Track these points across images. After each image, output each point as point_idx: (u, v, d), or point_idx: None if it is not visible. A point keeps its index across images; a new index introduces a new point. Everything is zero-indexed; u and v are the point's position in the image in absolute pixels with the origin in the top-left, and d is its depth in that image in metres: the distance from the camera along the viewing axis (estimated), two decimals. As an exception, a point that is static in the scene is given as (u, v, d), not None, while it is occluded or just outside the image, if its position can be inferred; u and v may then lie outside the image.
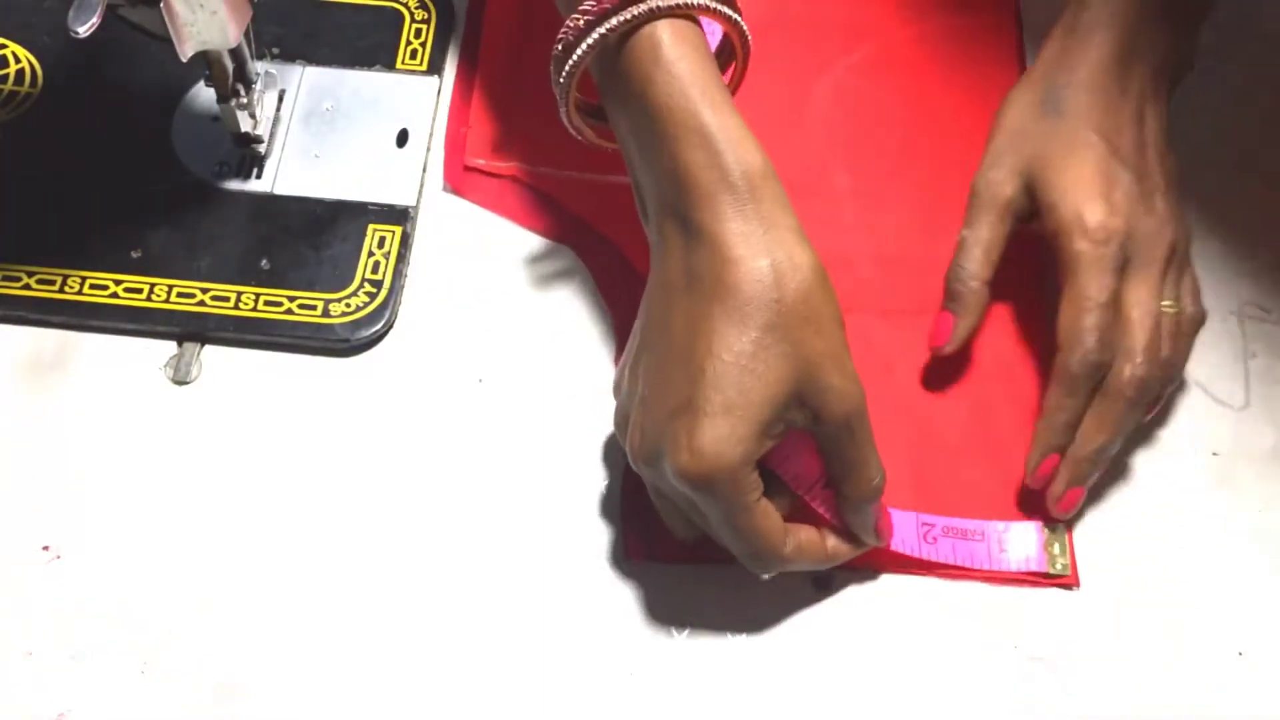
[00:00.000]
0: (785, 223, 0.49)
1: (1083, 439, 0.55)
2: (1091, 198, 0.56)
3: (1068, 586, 0.57)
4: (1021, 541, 0.57)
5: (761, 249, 0.49)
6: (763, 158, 0.50)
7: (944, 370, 0.60)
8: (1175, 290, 0.57)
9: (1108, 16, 0.58)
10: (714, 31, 0.55)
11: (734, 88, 0.56)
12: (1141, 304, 0.55)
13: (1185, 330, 0.57)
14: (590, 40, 0.51)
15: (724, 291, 0.49)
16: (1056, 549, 0.57)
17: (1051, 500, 0.56)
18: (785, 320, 0.49)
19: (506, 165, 0.65)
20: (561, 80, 0.53)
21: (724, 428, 0.48)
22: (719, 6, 0.52)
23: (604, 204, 0.63)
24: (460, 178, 0.65)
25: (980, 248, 0.58)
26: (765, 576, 0.54)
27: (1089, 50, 0.59)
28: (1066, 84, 0.59)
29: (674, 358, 0.50)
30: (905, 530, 0.56)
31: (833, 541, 0.54)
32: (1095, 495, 0.58)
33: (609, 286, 0.62)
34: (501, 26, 0.69)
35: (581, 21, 0.51)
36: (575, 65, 0.52)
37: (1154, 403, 0.57)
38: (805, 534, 0.54)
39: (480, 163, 0.65)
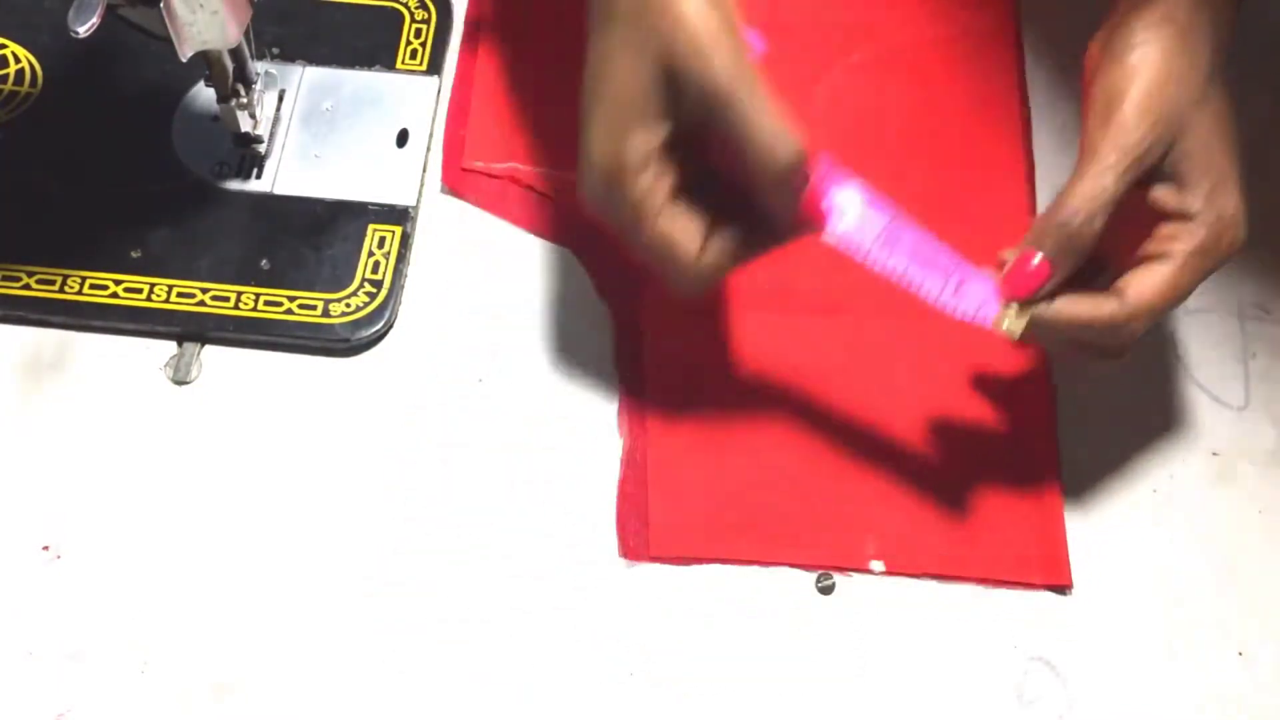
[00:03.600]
0: None
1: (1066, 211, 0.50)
2: (1233, 200, 0.51)
3: (1062, 590, 0.57)
4: (976, 292, 0.51)
5: None
6: None
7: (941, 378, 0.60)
8: None
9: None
10: None
11: None
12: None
13: None
14: None
15: (602, 17, 0.50)
16: (1013, 312, 0.51)
17: (1017, 273, 0.51)
18: (645, 19, 0.49)
19: (504, 166, 0.65)
20: None
21: (599, 128, 0.50)
22: None
23: None
24: (459, 179, 0.65)
25: (1106, 196, 0.50)
26: (694, 292, 0.52)
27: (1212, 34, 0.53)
28: (1211, 62, 0.52)
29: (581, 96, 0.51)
30: (864, 229, 0.52)
31: (756, 237, 0.52)
32: (1096, 494, 0.58)
33: (608, 287, 0.62)
34: (500, 27, 0.68)
35: None
36: None
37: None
38: (726, 237, 0.51)
39: (478, 164, 0.65)
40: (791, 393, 0.60)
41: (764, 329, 0.62)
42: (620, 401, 0.60)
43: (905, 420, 0.59)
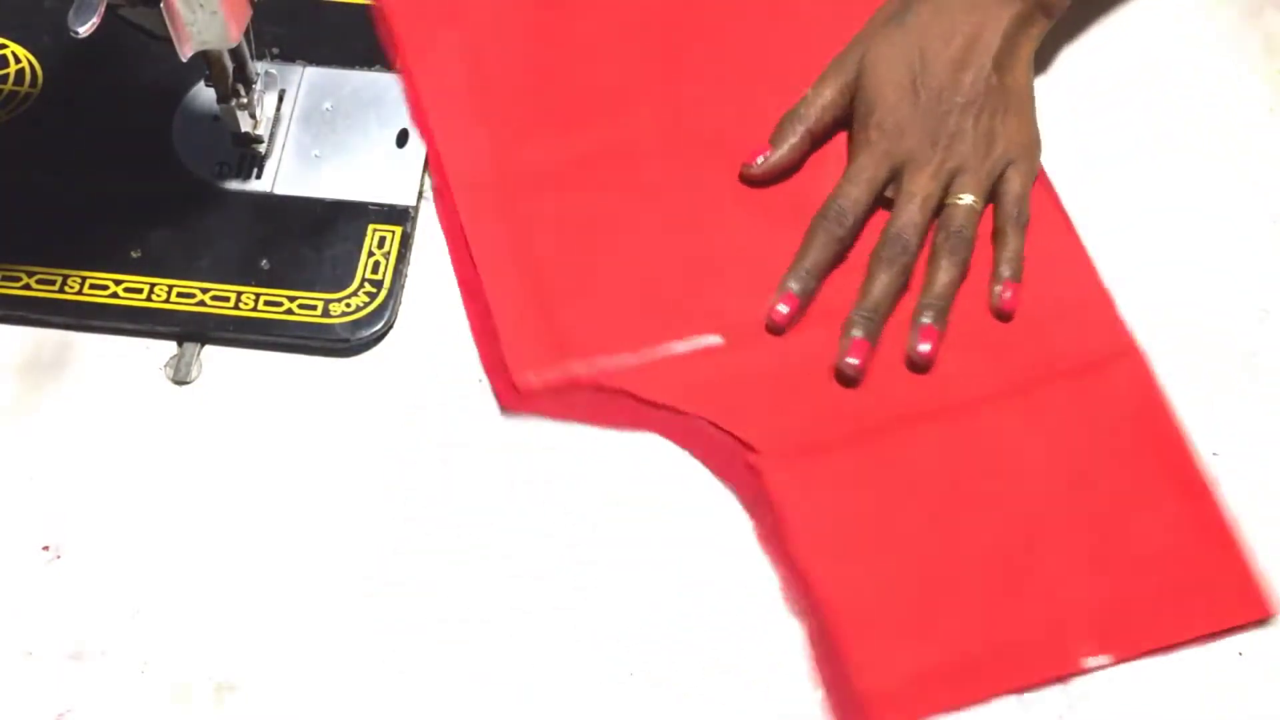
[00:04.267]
0: None
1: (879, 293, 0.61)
2: (889, 100, 0.63)
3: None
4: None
5: None
6: None
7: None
8: (953, 191, 0.62)
9: None
10: None
11: None
12: (910, 193, 0.62)
13: (958, 219, 0.62)
14: None
15: None
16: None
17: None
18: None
19: (559, 374, 0.58)
20: None
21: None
22: None
23: (686, 380, 0.59)
24: (518, 400, 0.59)
25: (816, 106, 0.65)
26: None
27: None
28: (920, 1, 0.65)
29: None
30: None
31: None
32: (1095, 495, 0.58)
33: (722, 466, 0.58)
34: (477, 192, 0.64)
35: None
36: None
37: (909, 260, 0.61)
38: None
39: (531, 378, 0.58)
40: (942, 507, 0.58)
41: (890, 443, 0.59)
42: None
43: (1051, 512, 0.57)
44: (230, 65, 0.60)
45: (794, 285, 0.61)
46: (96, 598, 0.55)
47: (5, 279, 0.61)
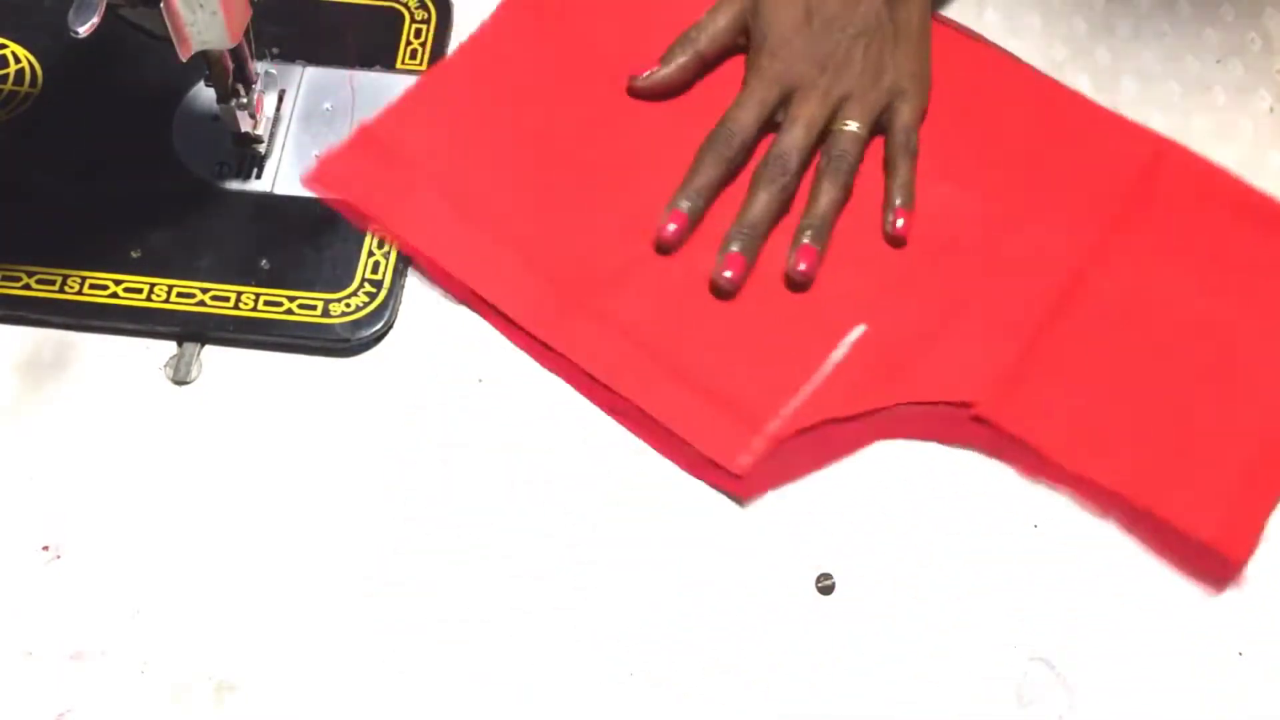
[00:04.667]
0: None
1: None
2: (783, 27, 0.65)
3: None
4: None
5: None
6: None
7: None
8: (840, 116, 0.64)
9: None
10: None
11: None
12: (796, 117, 0.63)
13: (841, 143, 0.63)
14: None
15: None
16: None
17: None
18: None
19: (766, 437, 0.58)
20: None
21: None
22: None
23: (864, 378, 0.60)
24: (747, 485, 0.58)
25: (708, 31, 0.66)
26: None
27: None
28: None
29: None
30: None
31: None
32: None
33: (948, 432, 0.60)
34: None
35: None
36: None
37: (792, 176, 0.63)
38: None
39: (745, 460, 0.58)
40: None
41: None
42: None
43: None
44: (230, 65, 0.60)
45: (683, 204, 0.62)
46: (96, 598, 0.55)
47: (5, 279, 0.61)
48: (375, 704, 0.54)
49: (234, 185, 0.64)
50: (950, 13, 0.70)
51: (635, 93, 0.66)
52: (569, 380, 0.60)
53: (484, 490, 0.58)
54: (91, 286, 0.61)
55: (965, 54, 0.68)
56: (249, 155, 0.65)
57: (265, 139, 0.65)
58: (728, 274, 0.61)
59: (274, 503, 0.58)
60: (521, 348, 0.61)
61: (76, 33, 0.50)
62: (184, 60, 0.56)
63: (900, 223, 0.63)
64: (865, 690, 0.55)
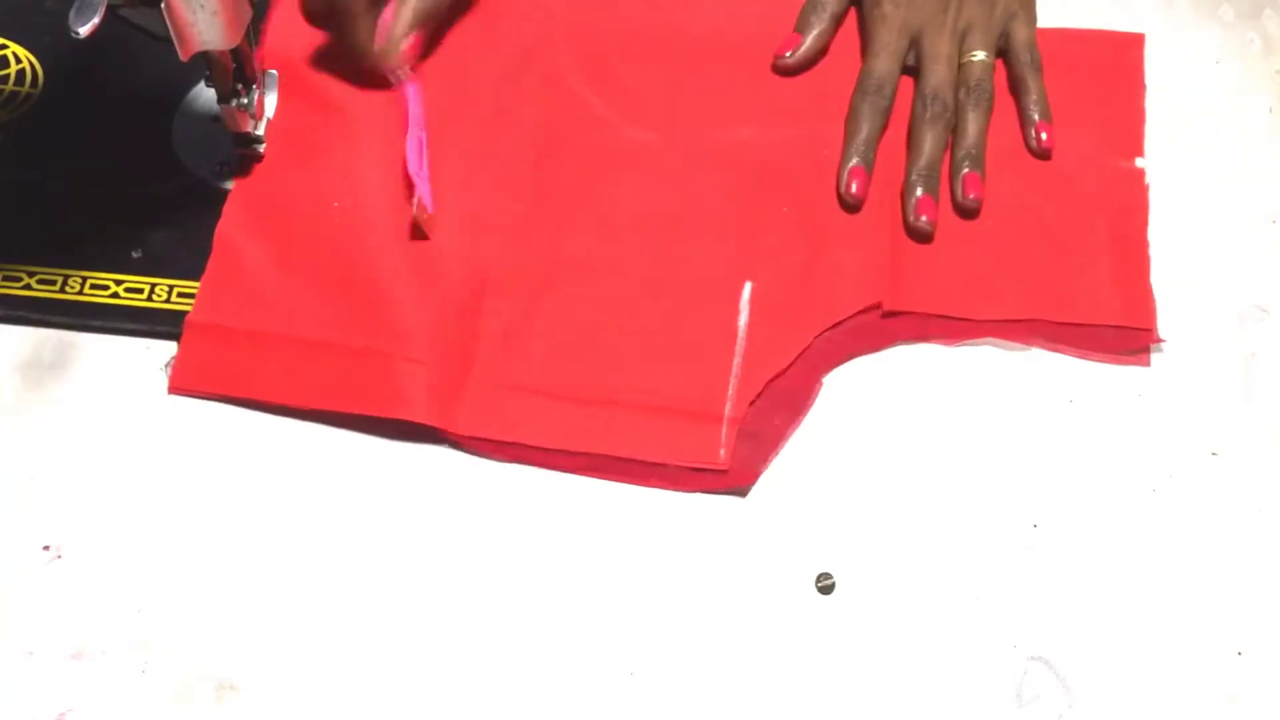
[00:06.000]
0: None
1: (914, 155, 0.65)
2: None
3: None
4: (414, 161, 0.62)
5: None
6: None
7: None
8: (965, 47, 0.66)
9: None
10: None
11: None
12: (935, 54, 0.65)
13: (977, 74, 0.66)
14: None
15: None
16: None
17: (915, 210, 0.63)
18: None
19: (732, 430, 0.59)
20: None
21: None
22: None
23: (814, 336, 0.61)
24: (731, 477, 0.58)
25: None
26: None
27: None
28: None
29: None
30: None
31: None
32: (1094, 496, 0.58)
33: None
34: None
35: None
36: None
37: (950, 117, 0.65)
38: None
39: (724, 454, 0.58)
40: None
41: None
42: None
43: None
44: (231, 65, 0.60)
45: (854, 160, 0.64)
46: (97, 598, 0.55)
47: (5, 279, 0.61)
48: (376, 704, 0.54)
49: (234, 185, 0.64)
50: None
51: (784, 70, 0.68)
52: (525, 461, 0.58)
53: (484, 490, 0.58)
54: (92, 286, 0.61)
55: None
56: (249, 155, 0.65)
57: (265, 139, 0.65)
58: (924, 217, 0.63)
59: (274, 503, 0.58)
60: (511, 459, 0.59)
61: (77, 33, 0.50)
62: (184, 61, 0.56)
63: (1045, 135, 0.65)
64: (865, 690, 0.55)
